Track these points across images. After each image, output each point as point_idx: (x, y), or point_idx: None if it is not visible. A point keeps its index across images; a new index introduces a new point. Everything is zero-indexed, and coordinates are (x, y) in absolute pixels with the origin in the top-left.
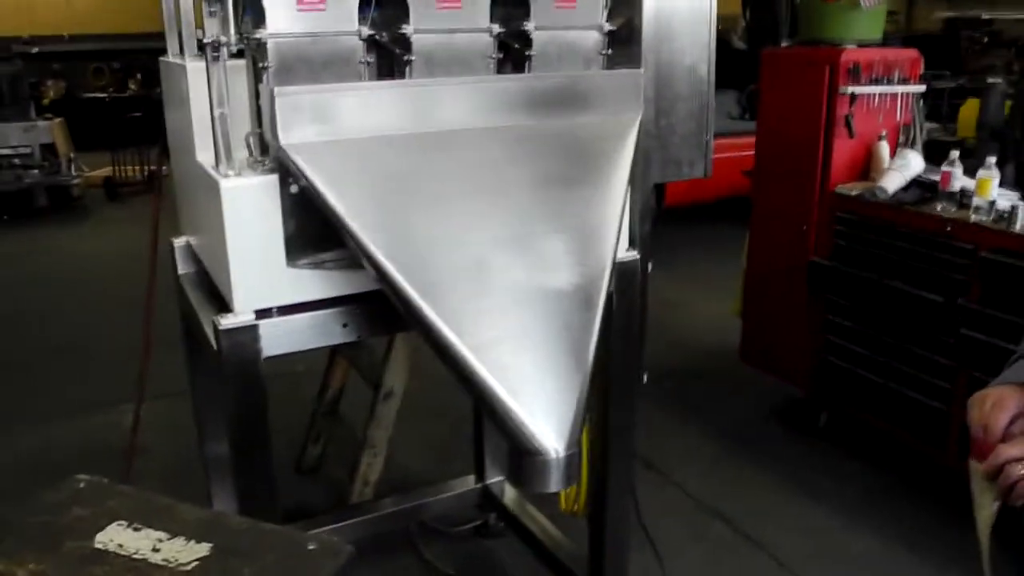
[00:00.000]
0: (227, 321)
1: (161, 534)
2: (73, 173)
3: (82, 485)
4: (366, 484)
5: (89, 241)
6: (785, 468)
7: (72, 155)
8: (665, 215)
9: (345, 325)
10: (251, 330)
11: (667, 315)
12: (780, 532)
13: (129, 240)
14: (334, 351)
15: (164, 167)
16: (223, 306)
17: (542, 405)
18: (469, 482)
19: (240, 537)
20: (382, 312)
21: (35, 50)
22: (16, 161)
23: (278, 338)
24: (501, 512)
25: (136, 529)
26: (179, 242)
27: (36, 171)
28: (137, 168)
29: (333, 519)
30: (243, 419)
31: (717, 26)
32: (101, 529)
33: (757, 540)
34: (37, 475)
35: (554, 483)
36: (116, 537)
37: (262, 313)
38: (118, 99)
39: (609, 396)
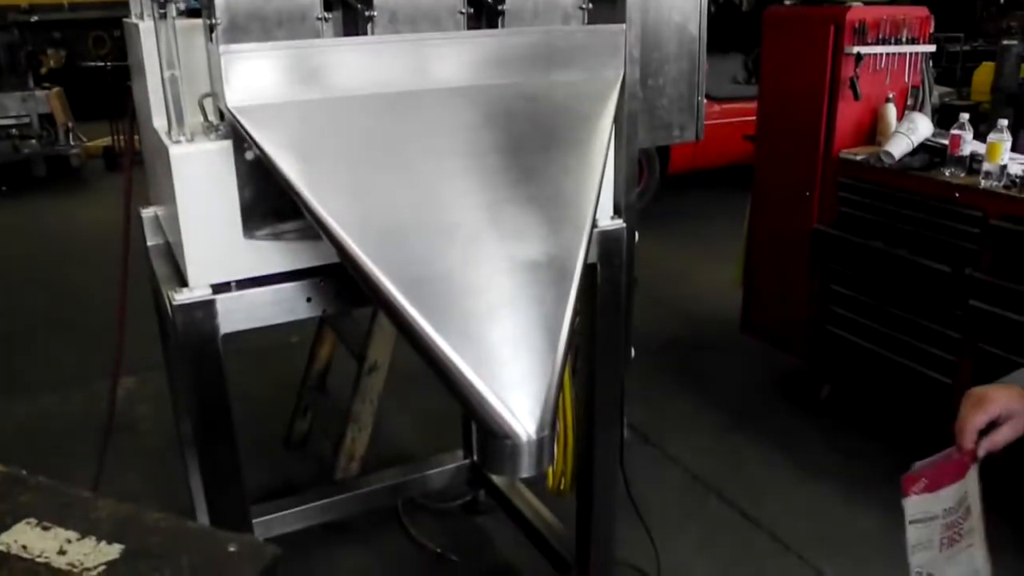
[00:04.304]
0: (182, 296)
1: (72, 533)
2: (72, 143)
3: None
4: (351, 459)
5: (87, 211)
6: (786, 443)
7: (71, 125)
8: (668, 182)
9: (309, 299)
10: (207, 305)
11: (668, 284)
12: (780, 510)
13: None
14: (322, 322)
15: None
16: (184, 280)
17: (512, 384)
18: (457, 457)
19: (155, 537)
20: (348, 285)
21: (34, 19)
22: (14, 131)
23: (237, 313)
24: (490, 488)
25: (46, 528)
26: (147, 213)
27: (34, 141)
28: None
29: (317, 495)
30: (202, 398)
31: None
32: (7, 528)
33: (755, 518)
34: (24, 450)
35: (526, 468)
36: (21, 537)
37: (220, 287)
38: (119, 68)
39: (595, 370)
